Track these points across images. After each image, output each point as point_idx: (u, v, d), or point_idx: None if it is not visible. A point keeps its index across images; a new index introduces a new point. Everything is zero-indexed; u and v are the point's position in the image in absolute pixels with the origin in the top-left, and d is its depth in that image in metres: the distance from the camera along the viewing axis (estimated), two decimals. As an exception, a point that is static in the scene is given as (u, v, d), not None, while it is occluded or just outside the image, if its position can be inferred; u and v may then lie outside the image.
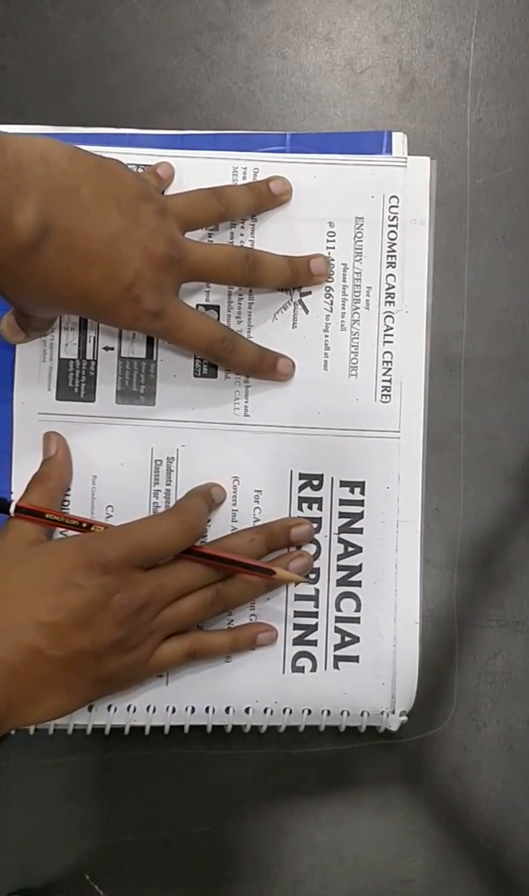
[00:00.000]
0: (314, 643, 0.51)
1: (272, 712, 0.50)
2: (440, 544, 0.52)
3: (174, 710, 0.50)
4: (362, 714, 0.51)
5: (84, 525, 0.48)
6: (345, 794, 0.52)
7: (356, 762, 0.52)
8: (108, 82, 0.53)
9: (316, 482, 0.51)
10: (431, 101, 0.54)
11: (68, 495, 0.51)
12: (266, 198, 0.51)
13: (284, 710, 0.50)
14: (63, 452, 0.50)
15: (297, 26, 0.54)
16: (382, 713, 0.51)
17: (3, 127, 0.47)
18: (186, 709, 0.50)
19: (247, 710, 0.50)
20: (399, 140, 0.52)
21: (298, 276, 0.51)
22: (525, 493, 0.53)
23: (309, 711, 0.50)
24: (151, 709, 0.50)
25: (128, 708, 0.50)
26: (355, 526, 0.51)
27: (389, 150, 0.52)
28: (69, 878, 0.51)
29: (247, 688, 0.50)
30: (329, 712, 0.50)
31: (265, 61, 0.54)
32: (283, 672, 0.51)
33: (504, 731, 0.52)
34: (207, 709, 0.50)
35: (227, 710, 0.50)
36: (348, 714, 0.50)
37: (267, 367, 0.50)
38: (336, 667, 0.51)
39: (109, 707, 0.50)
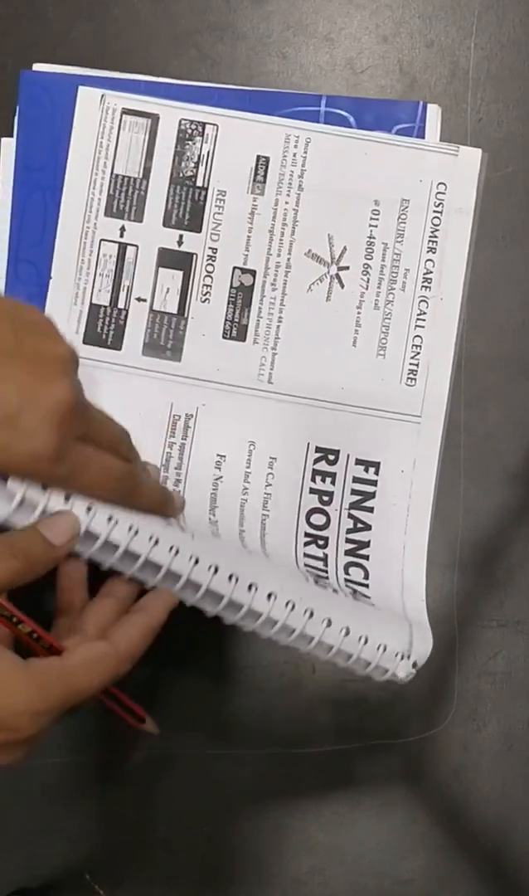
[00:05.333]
0: None
1: (293, 607, 0.45)
2: (440, 544, 0.52)
3: (197, 562, 0.44)
4: (378, 648, 0.46)
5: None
6: (345, 794, 0.52)
7: (356, 762, 0.52)
8: (109, 82, 0.53)
9: (331, 457, 0.51)
10: (431, 101, 0.54)
11: None
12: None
13: (305, 612, 0.45)
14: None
15: (298, 26, 0.54)
16: (397, 655, 0.47)
17: (41, 66, 0.51)
18: (209, 567, 0.44)
19: (269, 597, 0.45)
20: (433, 112, 0.52)
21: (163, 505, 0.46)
22: (525, 493, 0.53)
23: (330, 623, 0.46)
24: (174, 550, 0.44)
25: (150, 538, 0.44)
26: (366, 504, 0.51)
27: (423, 121, 0.52)
28: (69, 878, 0.51)
29: (273, 575, 0.47)
30: (348, 631, 0.46)
31: (265, 61, 0.54)
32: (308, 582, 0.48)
33: (504, 731, 0.52)
34: (230, 577, 0.45)
35: (250, 587, 0.45)
36: (366, 641, 0.46)
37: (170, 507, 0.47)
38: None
39: (109, 518, 0.43)
